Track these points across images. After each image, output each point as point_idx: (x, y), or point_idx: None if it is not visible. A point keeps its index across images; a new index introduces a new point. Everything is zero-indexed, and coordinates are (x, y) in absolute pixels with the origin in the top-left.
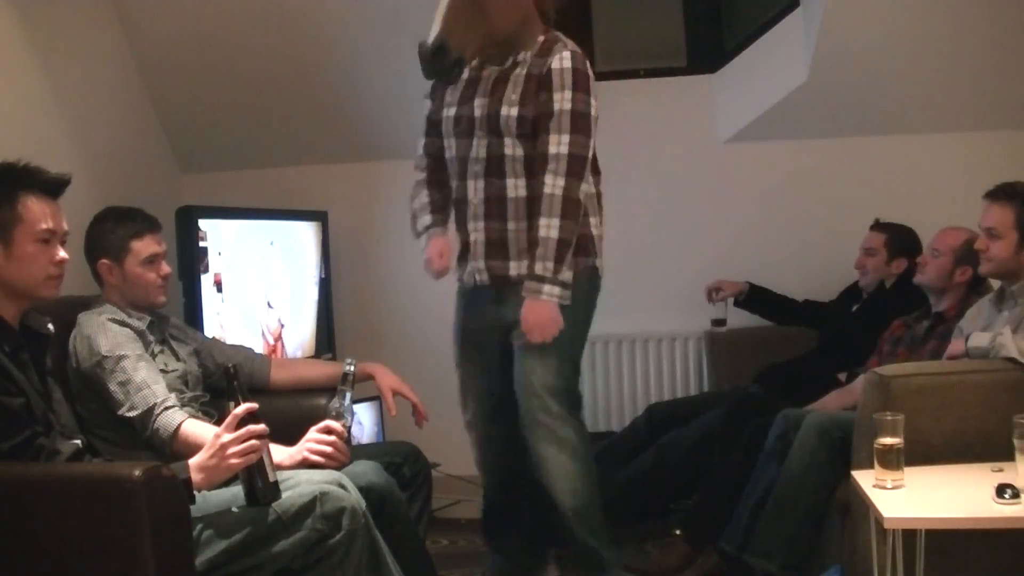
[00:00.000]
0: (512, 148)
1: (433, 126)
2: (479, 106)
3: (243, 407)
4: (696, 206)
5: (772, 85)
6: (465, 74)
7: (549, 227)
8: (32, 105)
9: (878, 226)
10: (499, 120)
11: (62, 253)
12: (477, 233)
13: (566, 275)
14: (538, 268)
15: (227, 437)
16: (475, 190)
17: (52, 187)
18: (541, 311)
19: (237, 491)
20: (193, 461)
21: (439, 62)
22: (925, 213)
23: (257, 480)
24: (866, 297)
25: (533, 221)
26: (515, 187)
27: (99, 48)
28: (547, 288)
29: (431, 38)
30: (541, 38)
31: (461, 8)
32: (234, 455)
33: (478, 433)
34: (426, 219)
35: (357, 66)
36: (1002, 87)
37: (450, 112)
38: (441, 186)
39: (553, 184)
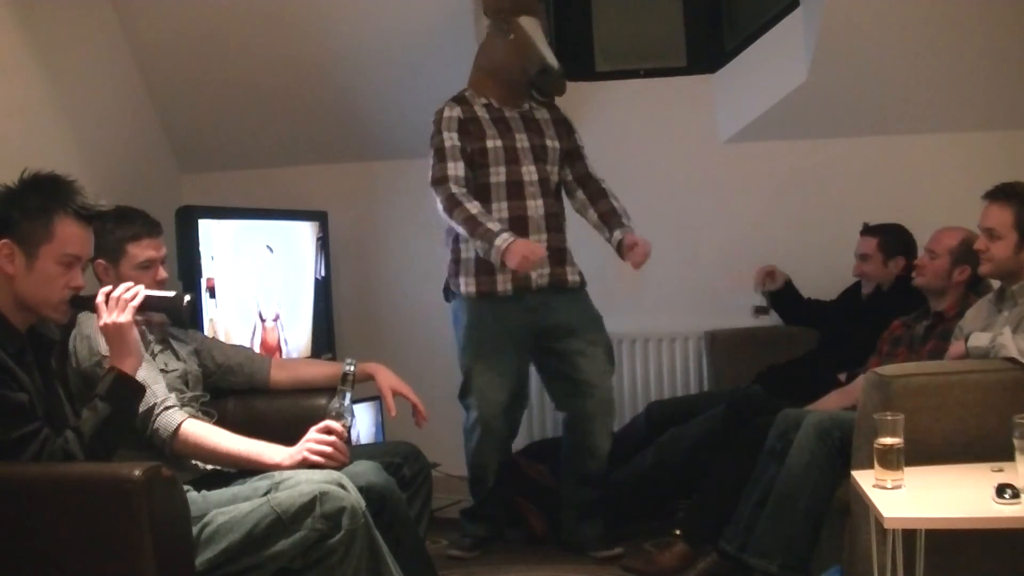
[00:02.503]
0: (552, 173)
1: (463, 155)
2: (520, 139)
3: (100, 292)
4: (696, 206)
5: (772, 85)
6: (486, 114)
7: (620, 204)
8: (32, 105)
9: (868, 230)
10: (545, 151)
11: (80, 279)
12: (541, 244)
13: None
14: (626, 221)
15: (105, 318)
16: (535, 207)
17: (89, 214)
18: None
19: (237, 491)
20: (111, 361)
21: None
22: (925, 213)
23: (161, 302)
24: (866, 297)
25: (564, 234)
26: (555, 205)
27: (99, 48)
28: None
29: (554, 64)
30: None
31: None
32: (119, 313)
33: (487, 430)
34: (501, 227)
35: (357, 66)
36: (1002, 87)
37: (496, 143)
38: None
39: (607, 185)
